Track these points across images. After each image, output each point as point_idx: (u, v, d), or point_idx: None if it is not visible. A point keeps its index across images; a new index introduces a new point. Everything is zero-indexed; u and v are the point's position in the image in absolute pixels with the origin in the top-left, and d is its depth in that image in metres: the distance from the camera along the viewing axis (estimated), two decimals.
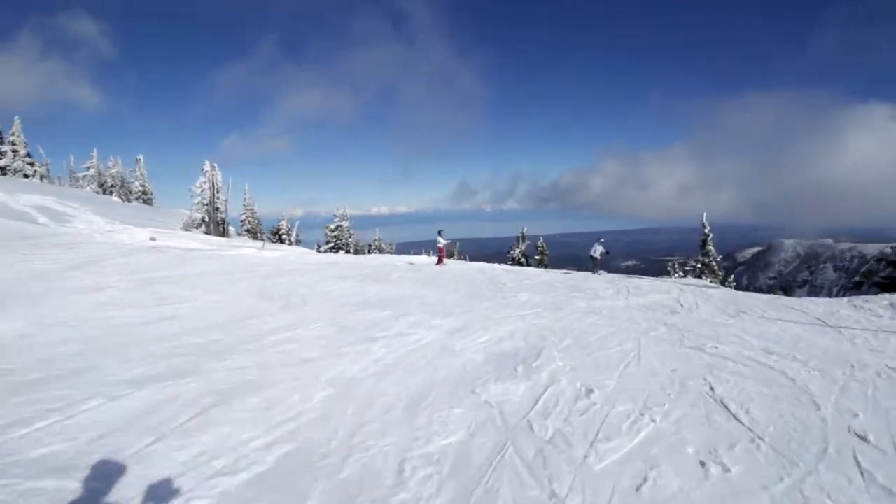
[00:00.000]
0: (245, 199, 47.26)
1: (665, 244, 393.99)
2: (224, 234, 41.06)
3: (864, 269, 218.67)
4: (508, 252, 35.14)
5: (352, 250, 41.02)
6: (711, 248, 25.69)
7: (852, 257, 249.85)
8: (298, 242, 50.56)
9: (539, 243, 34.29)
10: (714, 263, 25.38)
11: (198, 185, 39.18)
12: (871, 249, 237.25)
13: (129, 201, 46.55)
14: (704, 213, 25.81)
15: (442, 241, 24.23)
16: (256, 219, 48.51)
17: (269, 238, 53.13)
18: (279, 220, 50.22)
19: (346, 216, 42.27)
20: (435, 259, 25.10)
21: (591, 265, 20.13)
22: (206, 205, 39.63)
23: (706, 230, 25.46)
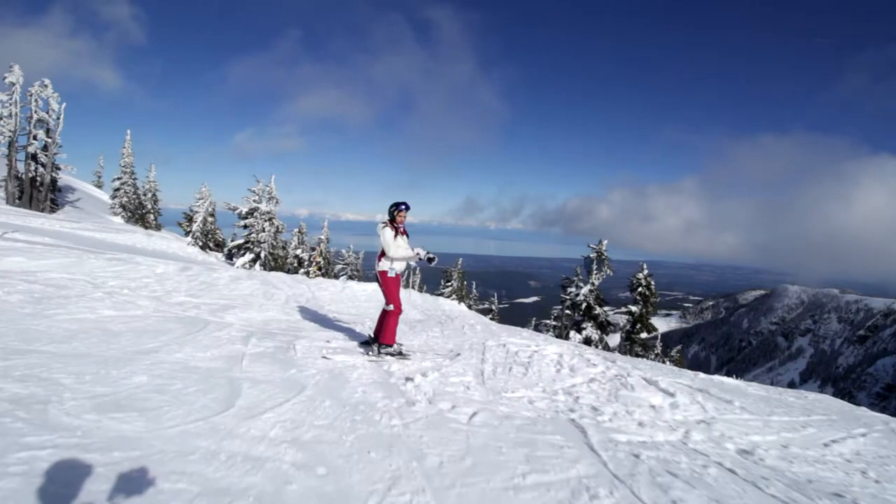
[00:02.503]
0: (123, 156, 28.59)
1: (664, 279, 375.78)
2: (45, 201, 22.22)
3: (869, 322, 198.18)
4: (565, 288, 16.43)
5: (262, 254, 22.08)
6: None
7: (858, 310, 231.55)
8: (210, 239, 31.71)
9: (641, 276, 15.59)
10: None
11: None
12: (878, 304, 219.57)
13: None
14: None
15: (400, 254, 5.45)
16: (140, 192, 29.78)
17: (185, 227, 34.33)
18: (196, 200, 31.55)
19: (269, 194, 23.51)
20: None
21: None
22: (11, 146, 20.95)
23: None
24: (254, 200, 23.39)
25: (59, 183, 26.50)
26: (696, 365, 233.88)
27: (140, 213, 29.35)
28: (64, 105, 21.99)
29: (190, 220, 33.38)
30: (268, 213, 23.10)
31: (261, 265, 21.45)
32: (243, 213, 23.46)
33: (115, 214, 28.35)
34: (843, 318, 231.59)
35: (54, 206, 23.38)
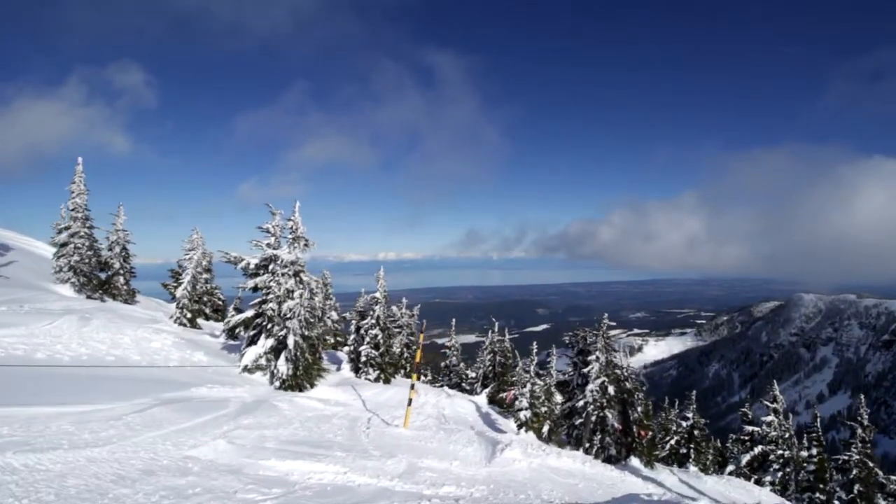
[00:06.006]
0: (72, 194, 18.88)
1: (674, 296, 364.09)
2: None
3: (893, 326, 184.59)
4: None
5: (291, 339, 12.02)
6: None
7: (879, 314, 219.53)
8: (206, 304, 22.07)
9: None
10: None
11: None
12: None
13: None
14: None
15: None
16: (98, 247, 19.97)
17: (172, 287, 24.72)
18: (186, 253, 21.93)
19: (294, 231, 13.73)
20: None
21: None
22: None
23: None
24: (267, 244, 13.64)
25: None
26: (719, 384, 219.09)
27: (99, 276, 19.53)
28: None
29: (177, 278, 23.57)
30: (292, 264, 13.30)
31: (289, 359, 11.55)
32: (251, 266, 13.68)
33: (63, 281, 18.59)
34: (864, 324, 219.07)
35: None
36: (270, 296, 12.72)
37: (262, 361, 12.02)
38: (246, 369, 11.90)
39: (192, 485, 4.95)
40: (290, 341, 11.54)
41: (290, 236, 13.89)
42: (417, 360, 9.46)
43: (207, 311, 24.51)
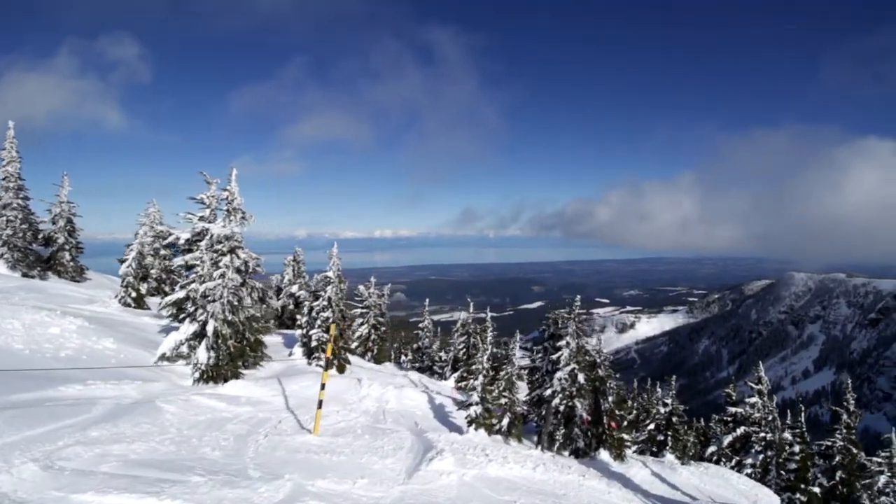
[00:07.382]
0: (3, 162, 16.91)
1: (666, 274, 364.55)
2: None
3: (880, 305, 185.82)
4: None
5: (211, 325, 10.50)
6: None
7: (867, 293, 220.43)
8: (166, 283, 20.56)
9: None
10: None
11: None
12: (887, 285, 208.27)
13: None
14: None
15: None
16: (36, 220, 18.27)
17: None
18: (139, 227, 20.27)
19: (230, 202, 12.00)
20: None
21: None
22: None
23: None
24: (200, 218, 12.00)
25: None
26: (708, 360, 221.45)
27: (38, 252, 17.89)
28: None
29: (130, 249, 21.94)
30: (227, 239, 11.69)
31: (209, 347, 10.10)
32: (182, 242, 12.09)
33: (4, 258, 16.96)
34: (852, 303, 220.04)
35: None
36: (197, 275, 11.17)
37: (184, 349, 10.57)
38: (164, 358, 10.45)
39: None
40: (210, 327, 10.04)
41: (225, 208, 12.24)
42: (328, 353, 8.00)
43: (167, 289, 22.97)
